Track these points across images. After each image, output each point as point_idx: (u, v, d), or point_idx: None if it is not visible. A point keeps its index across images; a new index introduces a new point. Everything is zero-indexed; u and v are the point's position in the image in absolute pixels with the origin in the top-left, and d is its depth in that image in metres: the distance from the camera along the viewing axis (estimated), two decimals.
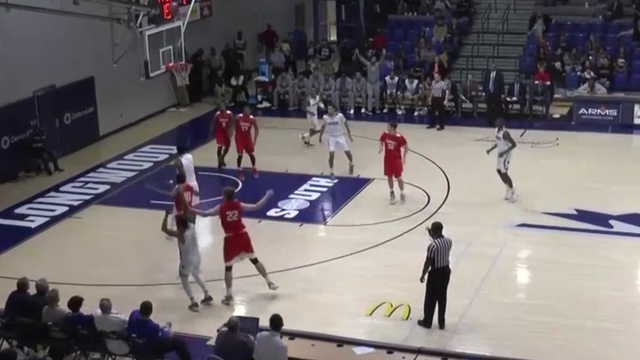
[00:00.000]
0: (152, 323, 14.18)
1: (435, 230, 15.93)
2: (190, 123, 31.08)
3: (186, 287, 17.09)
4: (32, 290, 15.31)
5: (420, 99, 30.84)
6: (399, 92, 31.32)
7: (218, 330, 14.12)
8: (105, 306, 14.43)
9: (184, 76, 24.38)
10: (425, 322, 16.07)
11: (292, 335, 14.46)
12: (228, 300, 17.31)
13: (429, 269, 15.74)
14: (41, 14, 22.24)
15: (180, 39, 23.11)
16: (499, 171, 21.82)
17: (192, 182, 20.51)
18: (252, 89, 33.65)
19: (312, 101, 27.78)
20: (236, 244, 17.40)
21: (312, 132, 26.69)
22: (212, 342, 14.12)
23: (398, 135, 22.16)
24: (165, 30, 22.52)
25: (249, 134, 24.25)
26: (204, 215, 18.35)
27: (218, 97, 32.87)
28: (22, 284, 15.28)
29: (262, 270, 17.53)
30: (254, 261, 17.50)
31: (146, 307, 14.25)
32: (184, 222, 16.97)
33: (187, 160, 21.05)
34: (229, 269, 17.39)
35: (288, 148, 25.96)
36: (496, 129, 22.05)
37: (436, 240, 15.74)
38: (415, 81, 31.37)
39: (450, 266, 15.96)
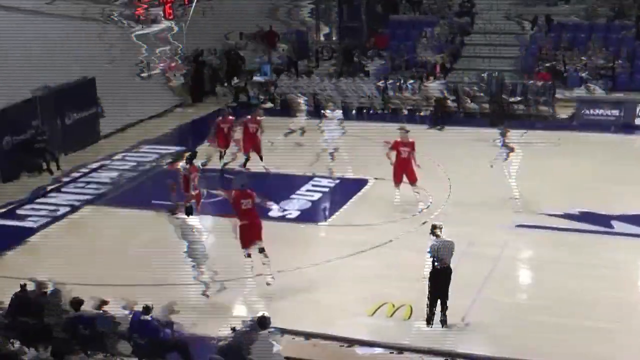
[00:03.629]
0: (153, 323, 14.18)
1: (434, 230, 16.09)
2: (191, 123, 31.08)
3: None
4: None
5: (424, 99, 30.83)
6: (397, 93, 31.36)
7: (220, 331, 14.12)
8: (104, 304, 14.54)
9: (176, 76, 24.31)
10: (427, 321, 16.06)
11: (294, 335, 14.48)
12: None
13: (431, 269, 15.80)
14: (42, 15, 22.25)
15: (171, 40, 23.03)
16: None
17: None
18: (253, 89, 33.66)
19: None
20: (251, 232, 17.79)
21: None
22: (214, 342, 14.12)
23: (410, 140, 21.72)
24: (161, 31, 22.47)
25: (257, 136, 24.37)
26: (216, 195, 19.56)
27: (220, 97, 32.91)
28: (26, 285, 15.30)
29: (266, 262, 17.82)
30: (261, 250, 17.84)
31: (147, 308, 14.27)
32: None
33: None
34: (248, 255, 17.83)
35: (289, 148, 25.89)
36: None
37: (437, 241, 15.87)
38: (417, 81, 31.43)
39: (452, 266, 15.97)
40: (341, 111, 25.35)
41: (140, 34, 21.76)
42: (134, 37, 21.58)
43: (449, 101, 29.50)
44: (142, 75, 21.87)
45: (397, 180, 21.79)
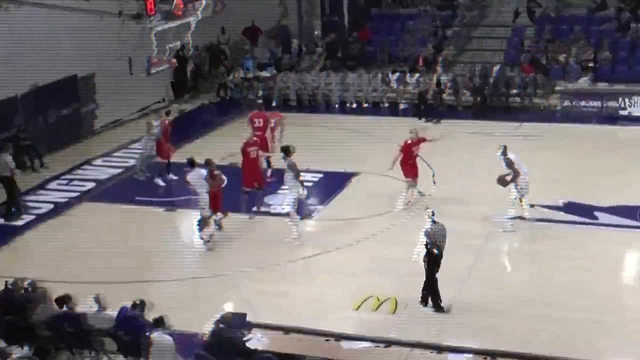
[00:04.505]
0: (140, 320, 14.13)
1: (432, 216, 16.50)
2: (175, 119, 30.97)
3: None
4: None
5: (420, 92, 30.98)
6: (400, 87, 31.45)
7: (207, 326, 14.11)
8: (99, 300, 14.47)
9: (158, 72, 24.23)
10: (436, 307, 16.41)
11: (280, 330, 14.48)
12: None
13: (431, 254, 16.15)
14: (27, 11, 22.14)
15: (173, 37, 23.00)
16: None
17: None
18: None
19: None
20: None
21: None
22: (201, 338, 14.10)
23: (418, 138, 21.61)
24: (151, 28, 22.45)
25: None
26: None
27: (202, 93, 32.92)
28: (13, 284, 15.24)
29: None
30: None
31: (138, 304, 14.23)
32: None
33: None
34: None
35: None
36: (499, 152, 20.39)
37: (432, 226, 16.28)
38: (416, 75, 31.50)
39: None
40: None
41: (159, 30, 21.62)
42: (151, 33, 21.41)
43: (429, 93, 29.63)
44: (152, 71, 21.78)
45: (408, 175, 21.60)
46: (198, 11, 23.98)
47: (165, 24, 22.03)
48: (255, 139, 21.84)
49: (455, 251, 18.63)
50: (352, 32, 36.70)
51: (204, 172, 19.81)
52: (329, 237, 20.19)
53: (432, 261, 16.17)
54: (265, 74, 33.42)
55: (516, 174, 20.06)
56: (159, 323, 13.65)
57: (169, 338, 13.47)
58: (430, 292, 16.39)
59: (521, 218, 20.33)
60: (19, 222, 21.81)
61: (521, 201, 20.33)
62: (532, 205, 20.54)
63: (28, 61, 25.49)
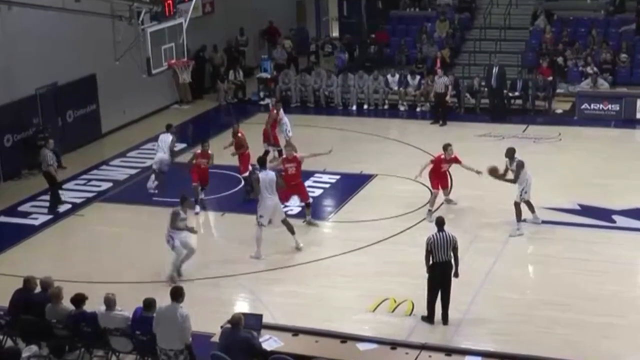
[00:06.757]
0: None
1: (437, 224, 16.17)
2: (192, 120, 31.11)
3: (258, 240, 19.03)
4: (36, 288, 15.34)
5: (422, 95, 30.92)
6: (401, 88, 31.39)
7: (222, 327, 14.12)
8: (110, 300, 14.40)
9: (185, 75, 24.22)
10: (428, 318, 16.17)
11: (296, 331, 14.46)
12: None
13: (430, 262, 15.92)
14: (43, 11, 22.22)
15: (182, 37, 23.05)
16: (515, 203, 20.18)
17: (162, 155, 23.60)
18: (254, 86, 33.64)
19: None
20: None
21: None
22: (215, 338, 14.11)
23: (453, 156, 21.22)
24: (167, 28, 22.45)
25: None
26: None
27: (220, 93, 32.89)
28: (28, 282, 15.28)
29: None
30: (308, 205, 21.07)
31: (149, 304, 14.23)
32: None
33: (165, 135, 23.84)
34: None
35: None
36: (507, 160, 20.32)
37: (434, 234, 15.91)
38: (418, 77, 31.46)
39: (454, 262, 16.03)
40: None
41: (153, 31, 21.59)
42: (148, 33, 21.39)
43: (448, 97, 29.50)
44: (153, 72, 21.79)
45: (435, 187, 21.34)
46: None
47: (158, 26, 21.98)
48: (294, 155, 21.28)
49: (472, 254, 18.67)
50: (370, 34, 36.65)
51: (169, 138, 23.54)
52: (345, 239, 20.17)
53: (429, 269, 16.00)
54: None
55: (513, 180, 19.95)
56: None
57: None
58: (428, 302, 16.21)
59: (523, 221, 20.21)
60: (36, 222, 21.90)
61: (527, 205, 20.22)
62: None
63: (46, 60, 25.64)
